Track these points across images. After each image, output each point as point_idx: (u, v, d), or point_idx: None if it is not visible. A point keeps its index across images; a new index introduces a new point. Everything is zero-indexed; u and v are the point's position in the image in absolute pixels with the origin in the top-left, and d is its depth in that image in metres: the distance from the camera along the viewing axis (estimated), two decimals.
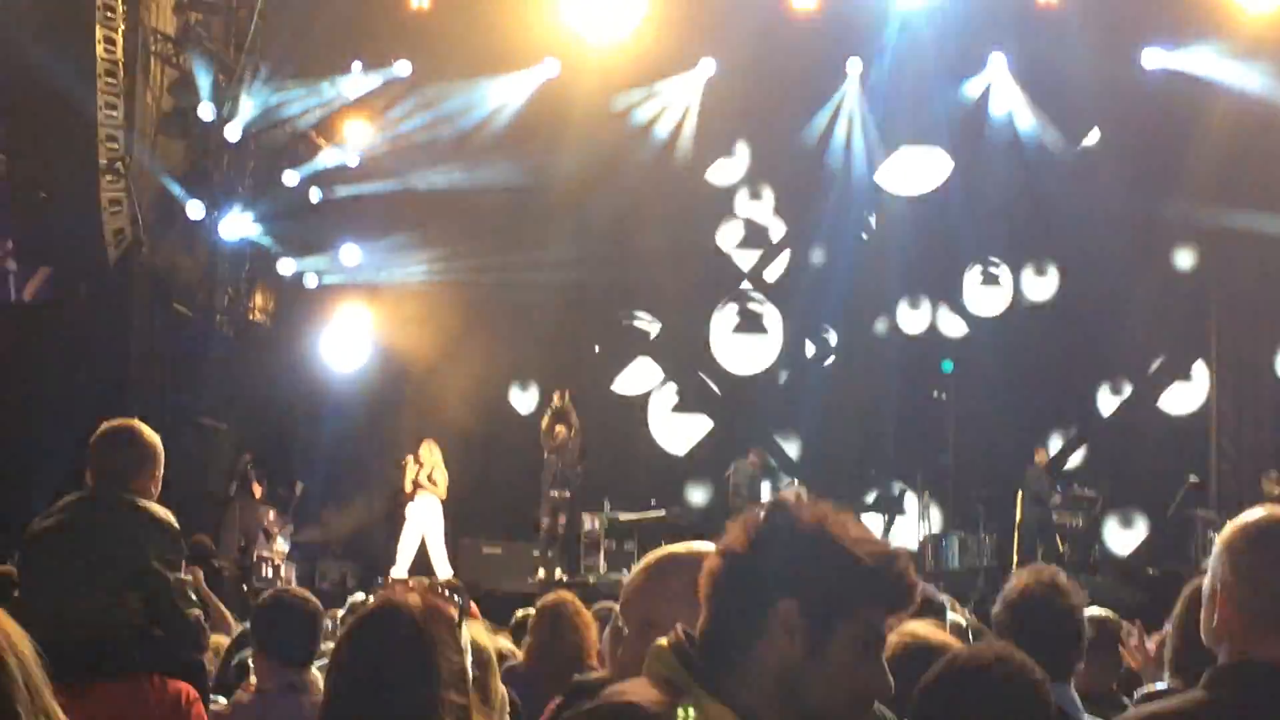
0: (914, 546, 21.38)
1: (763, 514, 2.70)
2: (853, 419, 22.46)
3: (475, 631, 5.06)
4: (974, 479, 21.90)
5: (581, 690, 5.97)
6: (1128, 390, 22.88)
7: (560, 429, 20.24)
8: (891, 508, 22.86)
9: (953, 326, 23.45)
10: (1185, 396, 22.64)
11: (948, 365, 23.17)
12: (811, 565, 2.62)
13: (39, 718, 2.53)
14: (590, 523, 21.12)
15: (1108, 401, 23.03)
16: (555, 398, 20.51)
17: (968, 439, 22.67)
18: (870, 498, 23.00)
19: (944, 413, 23.13)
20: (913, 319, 23.41)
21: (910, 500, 22.85)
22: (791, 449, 23.50)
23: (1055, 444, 22.84)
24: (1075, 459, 22.63)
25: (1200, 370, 22.57)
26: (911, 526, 22.24)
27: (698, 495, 22.90)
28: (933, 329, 23.44)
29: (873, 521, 22.12)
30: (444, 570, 18.55)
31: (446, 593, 3.71)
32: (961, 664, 3.23)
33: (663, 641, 2.72)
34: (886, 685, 2.64)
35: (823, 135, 22.66)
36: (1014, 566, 18.16)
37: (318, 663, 5.73)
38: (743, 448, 21.31)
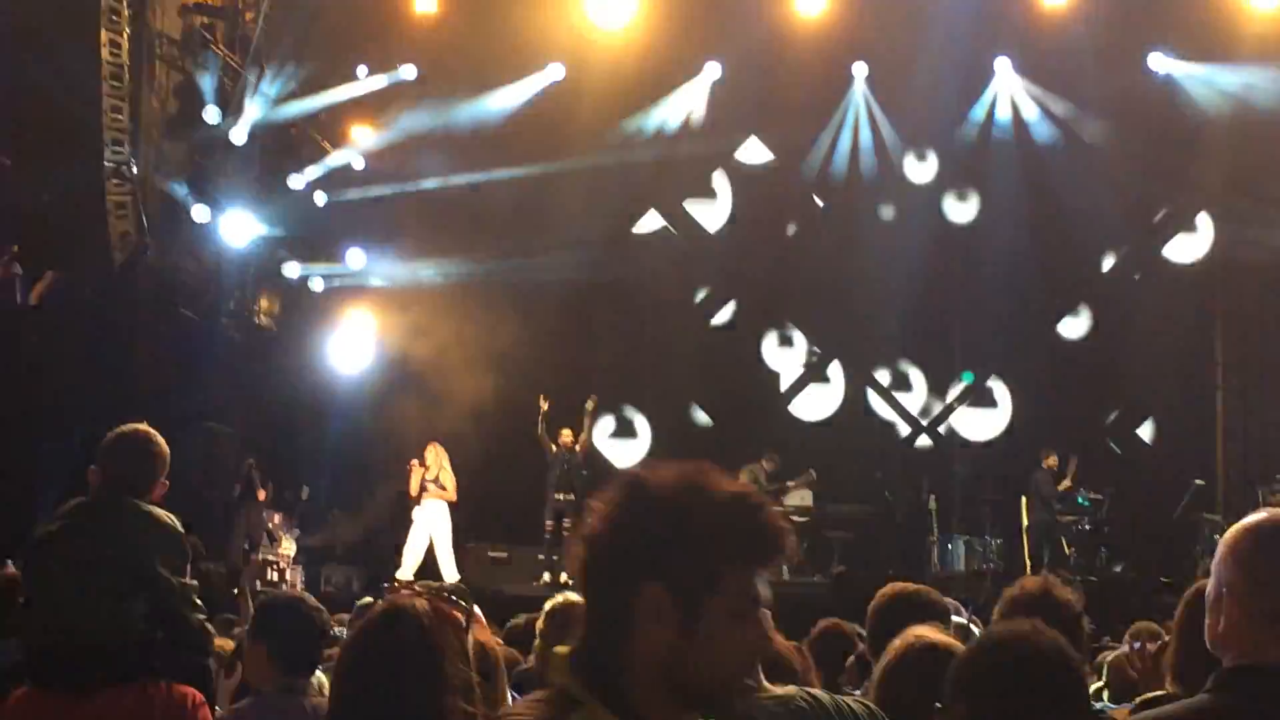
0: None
1: (618, 492, 2.57)
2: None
3: (483, 636, 5.06)
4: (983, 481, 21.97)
5: None
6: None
7: (565, 432, 20.22)
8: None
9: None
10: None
11: (968, 376, 23.25)
12: (670, 541, 2.49)
13: None
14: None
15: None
16: (543, 402, 20.45)
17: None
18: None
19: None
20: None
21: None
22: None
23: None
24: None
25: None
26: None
27: None
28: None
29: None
30: (451, 574, 18.54)
31: (453, 598, 3.69)
32: (1001, 637, 3.19)
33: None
34: (766, 643, 2.55)
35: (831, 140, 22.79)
36: (1028, 570, 18.24)
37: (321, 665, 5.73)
38: (758, 449, 21.36)
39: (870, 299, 22.36)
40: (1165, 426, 22.74)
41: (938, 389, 23.57)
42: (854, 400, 23.66)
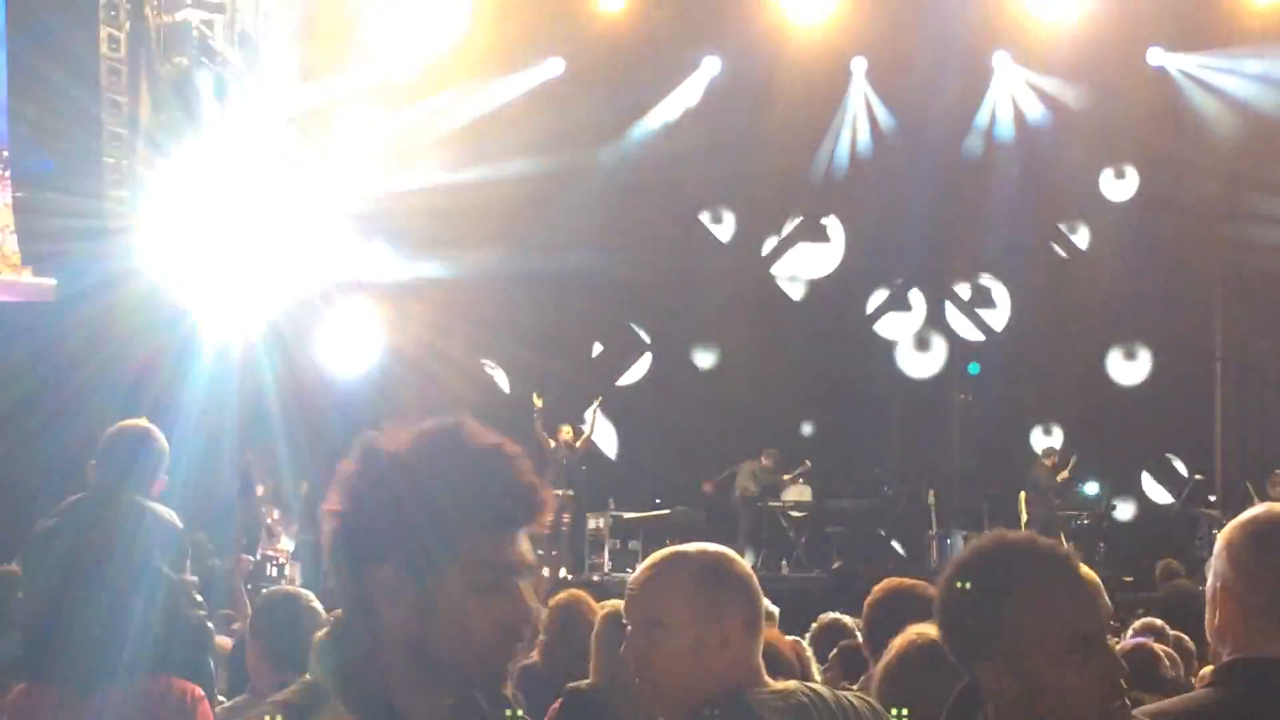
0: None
1: (354, 459, 2.38)
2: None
3: None
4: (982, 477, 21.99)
5: (575, 697, 6.03)
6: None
7: (565, 429, 20.25)
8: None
9: None
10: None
11: (974, 367, 23.15)
12: (397, 513, 2.29)
13: None
14: (595, 522, 21.13)
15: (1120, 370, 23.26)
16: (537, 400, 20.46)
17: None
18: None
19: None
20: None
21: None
22: None
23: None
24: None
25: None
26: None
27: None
28: None
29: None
30: None
31: None
32: (1003, 536, 3.10)
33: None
34: (525, 613, 2.34)
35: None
36: None
37: None
38: (755, 448, 21.39)
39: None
40: (1164, 418, 22.71)
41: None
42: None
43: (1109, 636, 2.78)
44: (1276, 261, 21.41)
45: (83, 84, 16.93)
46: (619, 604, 6.06)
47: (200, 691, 5.53)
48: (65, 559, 5.53)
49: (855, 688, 4.67)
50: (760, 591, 3.38)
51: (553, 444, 20.19)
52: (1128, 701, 2.75)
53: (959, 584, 2.88)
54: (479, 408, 20.53)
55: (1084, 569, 2.85)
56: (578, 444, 20.27)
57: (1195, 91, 21.06)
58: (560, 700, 6.03)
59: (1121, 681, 2.75)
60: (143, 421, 6.01)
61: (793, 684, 3.36)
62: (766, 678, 3.32)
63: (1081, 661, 2.70)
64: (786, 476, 21.22)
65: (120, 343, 17.30)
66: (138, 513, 5.67)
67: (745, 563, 3.43)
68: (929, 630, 4.09)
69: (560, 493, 20.05)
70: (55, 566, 5.56)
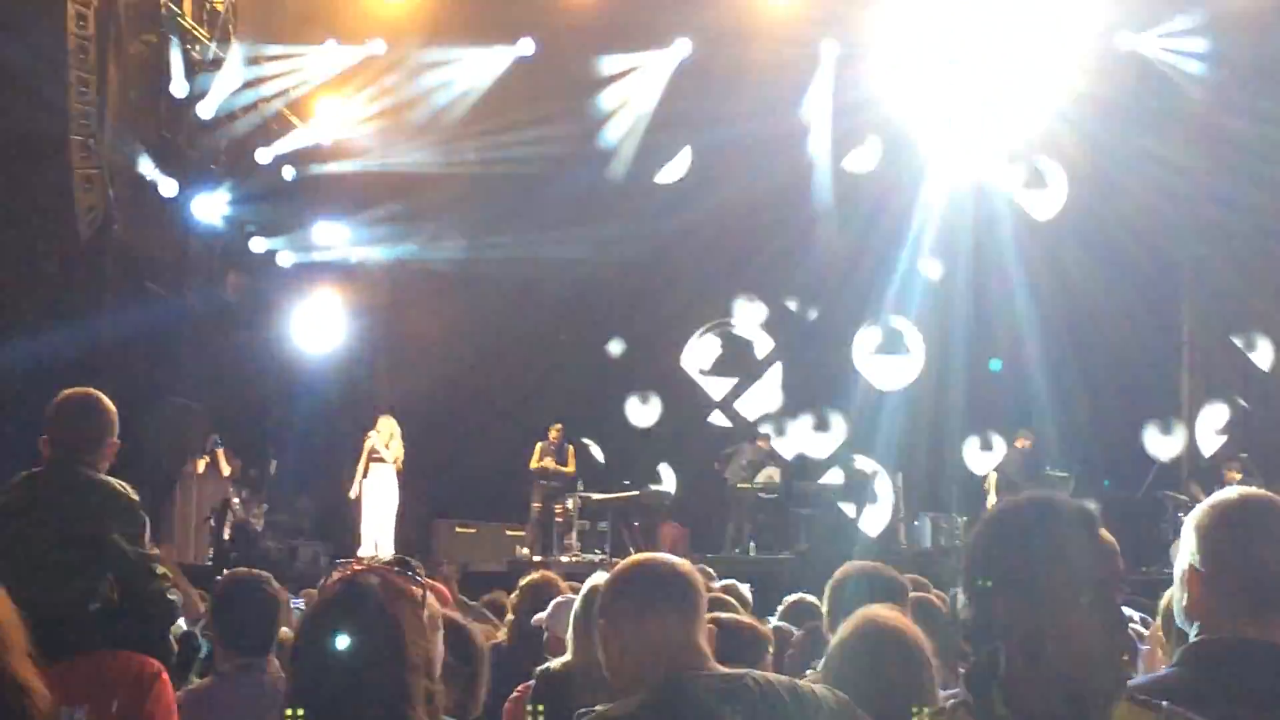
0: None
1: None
2: None
3: (473, 628, 5.10)
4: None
5: (547, 679, 6.00)
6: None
7: (555, 428, 20.50)
8: None
9: None
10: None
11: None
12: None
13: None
14: (564, 503, 21.20)
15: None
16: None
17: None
18: None
19: None
20: None
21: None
22: None
23: None
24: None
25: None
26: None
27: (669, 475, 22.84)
28: None
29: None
30: (387, 546, 18.58)
31: (409, 573, 3.64)
32: (1040, 493, 3.22)
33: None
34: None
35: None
36: None
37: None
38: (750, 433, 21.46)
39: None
40: (1130, 403, 22.73)
41: None
42: None
43: (1118, 596, 2.94)
44: (1242, 245, 21.51)
45: (51, 61, 16.85)
46: (600, 582, 6.03)
47: (160, 666, 5.46)
48: (17, 534, 5.48)
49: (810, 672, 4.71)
50: (697, 585, 3.53)
51: (544, 444, 20.45)
52: (1125, 657, 2.93)
53: (990, 526, 3.09)
54: (447, 387, 20.58)
55: (1104, 531, 3.02)
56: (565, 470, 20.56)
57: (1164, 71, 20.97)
58: (531, 682, 6.00)
59: (1120, 634, 2.93)
60: (88, 389, 5.94)
61: (742, 670, 3.42)
62: (713, 664, 3.40)
63: (1088, 607, 2.86)
64: (771, 467, 21.29)
65: (87, 320, 17.24)
66: (91, 486, 5.61)
67: (680, 562, 3.63)
68: (878, 612, 4.14)
69: (544, 484, 20.25)
70: (7, 542, 5.50)
